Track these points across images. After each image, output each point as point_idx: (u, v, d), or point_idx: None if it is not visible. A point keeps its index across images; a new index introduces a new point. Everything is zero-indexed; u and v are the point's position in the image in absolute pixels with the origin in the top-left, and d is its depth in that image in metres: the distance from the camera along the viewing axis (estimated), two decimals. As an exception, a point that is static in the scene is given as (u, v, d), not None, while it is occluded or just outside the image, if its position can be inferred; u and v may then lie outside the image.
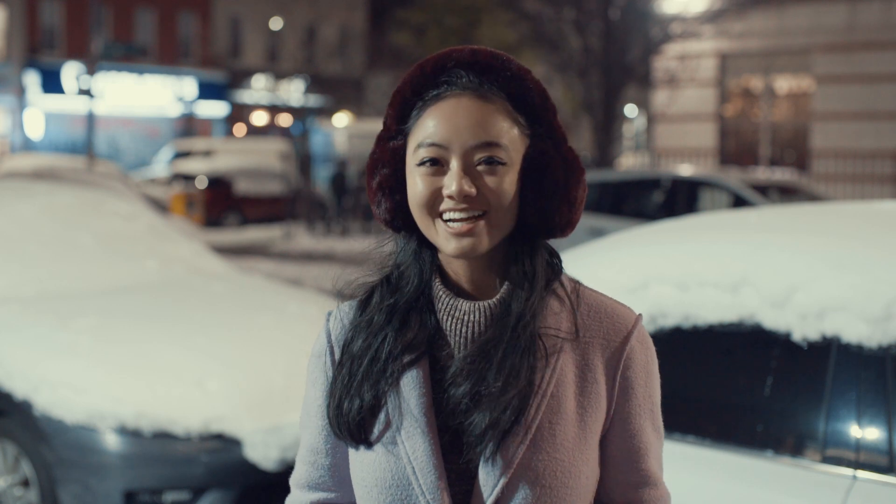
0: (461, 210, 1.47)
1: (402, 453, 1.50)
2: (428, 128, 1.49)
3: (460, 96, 1.49)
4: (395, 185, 1.54)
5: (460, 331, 1.52)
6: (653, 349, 1.59)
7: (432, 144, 1.48)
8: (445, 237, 1.48)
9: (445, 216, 1.48)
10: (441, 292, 1.53)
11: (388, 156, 1.54)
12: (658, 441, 1.60)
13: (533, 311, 1.50)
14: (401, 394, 1.51)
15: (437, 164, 1.48)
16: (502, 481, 1.46)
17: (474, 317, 1.51)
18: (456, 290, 1.54)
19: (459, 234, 1.47)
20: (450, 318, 1.52)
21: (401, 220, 1.55)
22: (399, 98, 1.53)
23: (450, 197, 1.46)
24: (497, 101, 1.50)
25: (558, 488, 1.47)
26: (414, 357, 1.52)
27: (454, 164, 1.47)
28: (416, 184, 1.49)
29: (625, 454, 1.56)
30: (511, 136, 1.49)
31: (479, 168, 1.48)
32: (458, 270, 1.54)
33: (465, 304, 1.52)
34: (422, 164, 1.49)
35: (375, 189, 1.55)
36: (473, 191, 1.46)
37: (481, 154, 1.47)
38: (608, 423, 1.55)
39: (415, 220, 1.52)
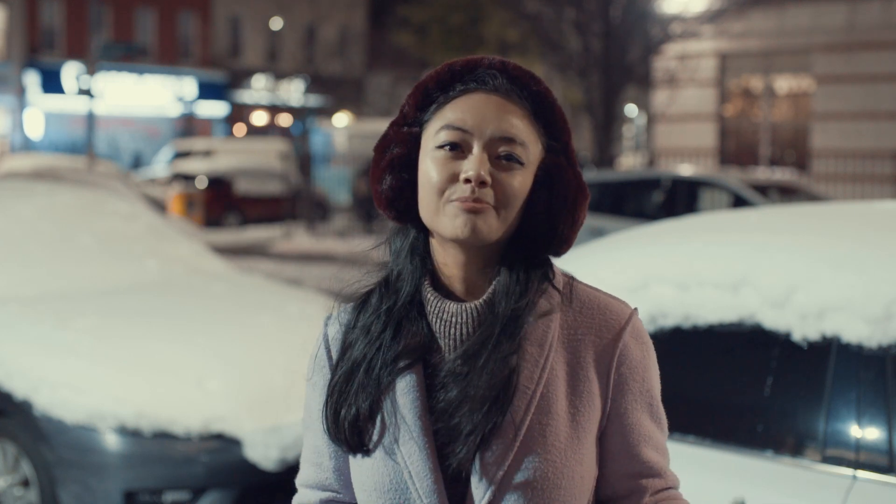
0: (473, 197, 1.46)
1: (399, 459, 1.50)
2: (454, 113, 1.50)
3: (490, 93, 1.51)
4: (406, 164, 1.53)
5: (449, 333, 1.52)
6: (648, 342, 1.58)
7: (457, 128, 1.49)
8: (453, 214, 1.47)
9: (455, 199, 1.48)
10: (430, 295, 1.53)
11: (404, 137, 1.54)
12: (659, 431, 1.58)
13: (521, 312, 1.49)
14: (395, 400, 1.51)
15: (456, 149, 1.49)
16: (493, 484, 1.46)
17: (461, 318, 1.51)
18: (446, 292, 1.54)
19: (468, 210, 1.45)
20: (438, 321, 1.52)
21: (402, 203, 1.54)
22: (422, 89, 1.55)
23: (466, 180, 1.46)
24: (523, 107, 1.52)
25: (550, 489, 1.47)
26: (408, 363, 1.51)
27: (476, 150, 1.48)
28: (431, 166, 1.49)
29: (623, 448, 1.55)
30: (531, 141, 1.51)
31: (498, 162, 1.49)
32: (451, 273, 1.53)
33: (452, 307, 1.52)
34: (442, 146, 1.49)
35: (384, 167, 1.54)
36: (489, 179, 1.47)
37: (503, 148, 1.49)
38: (604, 420, 1.54)
39: (419, 204, 1.52)
